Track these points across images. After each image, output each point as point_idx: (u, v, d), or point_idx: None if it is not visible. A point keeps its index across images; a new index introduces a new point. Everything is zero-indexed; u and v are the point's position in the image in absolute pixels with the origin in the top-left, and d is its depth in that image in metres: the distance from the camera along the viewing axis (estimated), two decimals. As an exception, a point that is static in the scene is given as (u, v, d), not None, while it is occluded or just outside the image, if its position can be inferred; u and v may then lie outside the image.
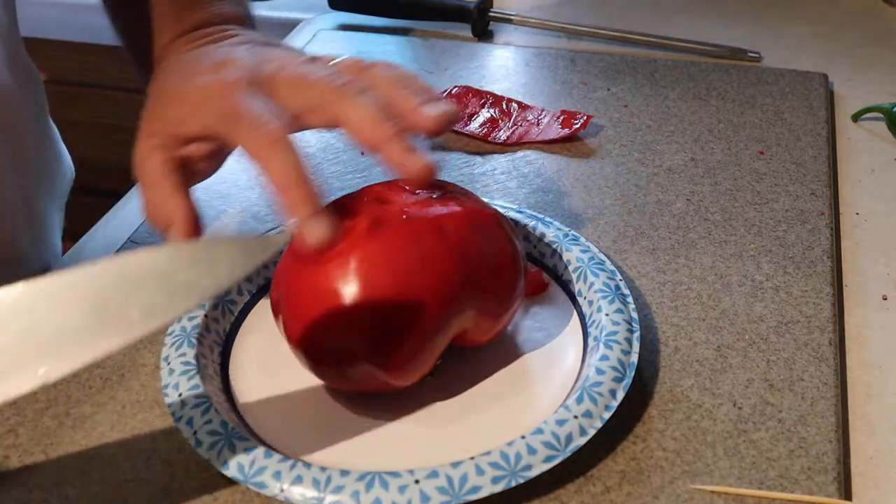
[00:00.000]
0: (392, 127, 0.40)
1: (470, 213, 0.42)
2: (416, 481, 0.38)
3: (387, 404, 0.44)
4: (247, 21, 0.52)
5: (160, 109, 0.45)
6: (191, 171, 0.46)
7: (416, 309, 0.40)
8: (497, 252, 0.43)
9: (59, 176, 0.62)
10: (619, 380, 0.42)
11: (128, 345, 0.34)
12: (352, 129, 0.41)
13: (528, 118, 0.68)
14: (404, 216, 0.41)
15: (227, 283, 0.35)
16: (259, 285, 0.50)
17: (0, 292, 0.33)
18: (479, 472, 0.38)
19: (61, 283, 0.34)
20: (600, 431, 0.41)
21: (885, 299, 0.52)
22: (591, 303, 0.47)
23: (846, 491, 0.41)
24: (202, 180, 0.47)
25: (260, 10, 1.06)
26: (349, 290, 0.39)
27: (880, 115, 0.70)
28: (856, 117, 0.70)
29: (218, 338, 0.46)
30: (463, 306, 0.41)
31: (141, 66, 0.52)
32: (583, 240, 0.51)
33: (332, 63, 0.45)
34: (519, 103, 0.70)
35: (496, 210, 0.44)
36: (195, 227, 0.44)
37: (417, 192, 0.43)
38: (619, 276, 0.48)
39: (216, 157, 0.47)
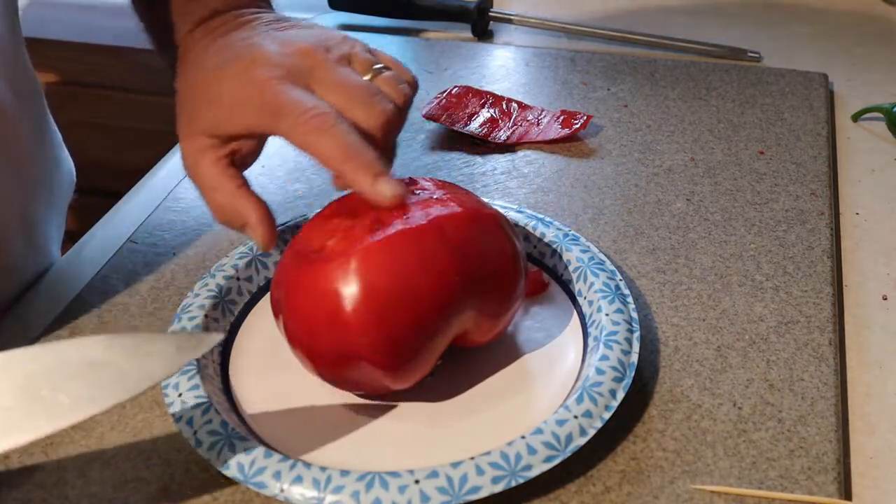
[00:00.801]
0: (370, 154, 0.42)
1: (470, 213, 0.42)
2: (416, 481, 0.37)
3: (387, 404, 0.44)
4: (260, 1, 0.52)
5: (195, 111, 0.46)
6: (240, 164, 0.47)
7: (416, 310, 0.40)
8: (497, 252, 0.43)
9: (58, 183, 0.62)
10: (619, 380, 0.42)
11: (55, 432, 0.34)
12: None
13: (528, 118, 0.68)
14: (405, 216, 0.41)
15: (158, 377, 0.36)
16: (259, 285, 0.50)
17: None
18: (479, 472, 0.38)
19: None
20: (600, 431, 0.41)
21: (885, 299, 0.52)
22: (591, 303, 0.47)
23: (846, 491, 0.41)
24: (246, 169, 0.49)
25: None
26: (349, 291, 0.39)
27: (880, 115, 0.70)
28: (856, 117, 0.70)
29: (218, 338, 0.46)
30: (463, 307, 0.41)
31: (171, 64, 0.52)
32: (583, 240, 0.51)
33: (352, 57, 0.46)
34: (519, 103, 0.70)
35: (496, 210, 0.44)
36: (271, 221, 0.46)
37: (418, 192, 0.43)
38: (619, 276, 0.48)
39: (257, 149, 0.49)
